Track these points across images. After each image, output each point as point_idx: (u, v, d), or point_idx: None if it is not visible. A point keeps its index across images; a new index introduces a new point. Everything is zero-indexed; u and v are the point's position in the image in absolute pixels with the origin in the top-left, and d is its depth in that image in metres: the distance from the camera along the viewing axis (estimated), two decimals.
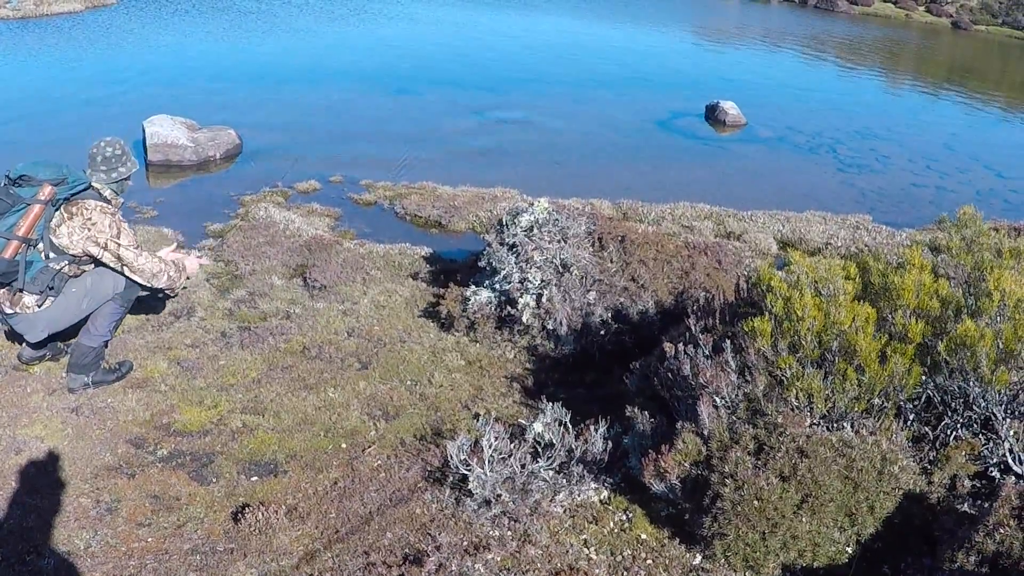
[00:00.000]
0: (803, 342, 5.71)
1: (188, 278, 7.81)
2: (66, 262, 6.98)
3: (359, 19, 32.71)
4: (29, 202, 6.66)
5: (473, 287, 8.71)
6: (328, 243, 10.70)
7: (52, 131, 16.24)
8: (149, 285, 7.32)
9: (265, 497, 6.10)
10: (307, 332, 8.55)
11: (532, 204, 9.05)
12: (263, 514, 5.76)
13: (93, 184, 7.08)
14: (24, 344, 7.53)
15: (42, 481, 6.18)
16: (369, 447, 6.72)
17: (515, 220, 8.86)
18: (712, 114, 20.35)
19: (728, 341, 5.96)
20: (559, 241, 8.59)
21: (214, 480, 6.33)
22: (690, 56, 29.24)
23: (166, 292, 7.73)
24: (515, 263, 8.48)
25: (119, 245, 6.99)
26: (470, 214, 12.63)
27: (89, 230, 6.89)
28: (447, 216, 12.60)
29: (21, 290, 6.90)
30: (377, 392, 7.53)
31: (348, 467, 6.46)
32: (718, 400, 5.75)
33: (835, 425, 5.54)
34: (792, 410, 5.49)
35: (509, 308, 8.37)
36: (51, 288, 6.95)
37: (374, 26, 31.36)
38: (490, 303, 8.49)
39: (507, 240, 8.70)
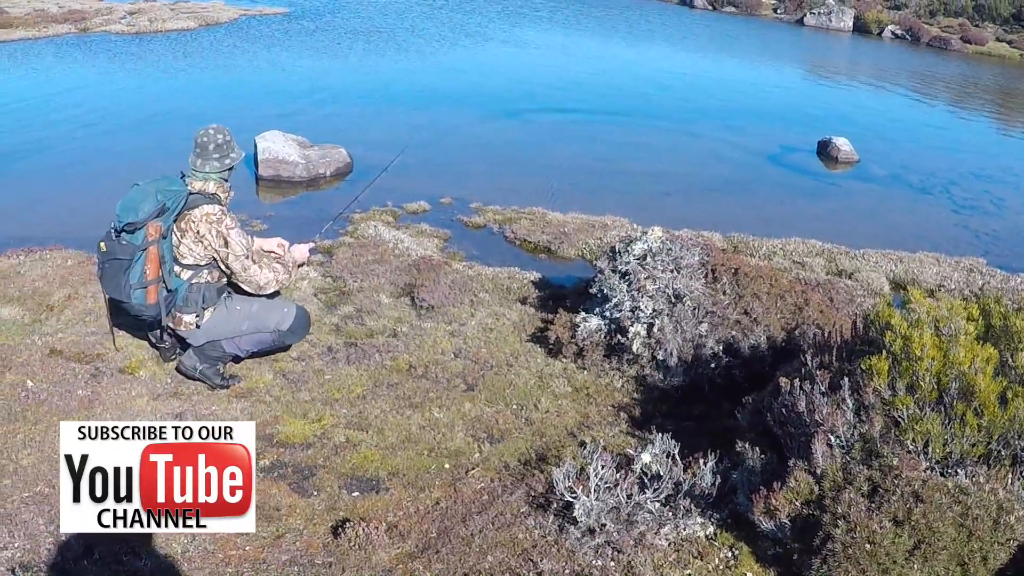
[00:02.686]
0: (921, 382, 5.56)
1: (302, 265, 7.97)
2: (204, 272, 7.15)
3: (470, 41, 32.90)
4: (144, 248, 6.79)
5: (583, 313, 8.61)
6: (437, 264, 10.69)
7: (167, 142, 16.48)
8: (258, 295, 7.41)
9: (366, 513, 6.05)
10: (413, 351, 8.51)
11: (646, 232, 8.95)
12: (363, 530, 5.70)
13: (195, 184, 7.11)
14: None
15: None
16: (472, 469, 6.64)
17: (628, 248, 8.76)
18: (824, 150, 20.00)
19: (846, 379, 5.82)
20: (672, 271, 8.47)
21: (315, 493, 6.31)
22: (801, 91, 28.91)
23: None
24: (627, 291, 8.37)
25: (228, 254, 7.07)
26: (579, 241, 12.55)
27: (201, 243, 7.01)
28: (556, 242, 12.53)
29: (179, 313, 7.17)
30: (482, 414, 7.45)
31: (451, 488, 6.39)
32: (833, 439, 5.59)
33: (950, 471, 5.37)
34: (908, 453, 5.34)
35: (619, 336, 8.25)
36: (204, 305, 7.20)
37: (483, 49, 31.53)
38: (600, 330, 8.38)
39: (619, 267, 8.60)
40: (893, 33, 42.50)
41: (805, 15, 44.95)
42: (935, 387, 5.56)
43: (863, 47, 40.27)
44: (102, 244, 6.83)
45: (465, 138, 19.19)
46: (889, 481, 5.13)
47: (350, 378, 7.93)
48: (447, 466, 6.70)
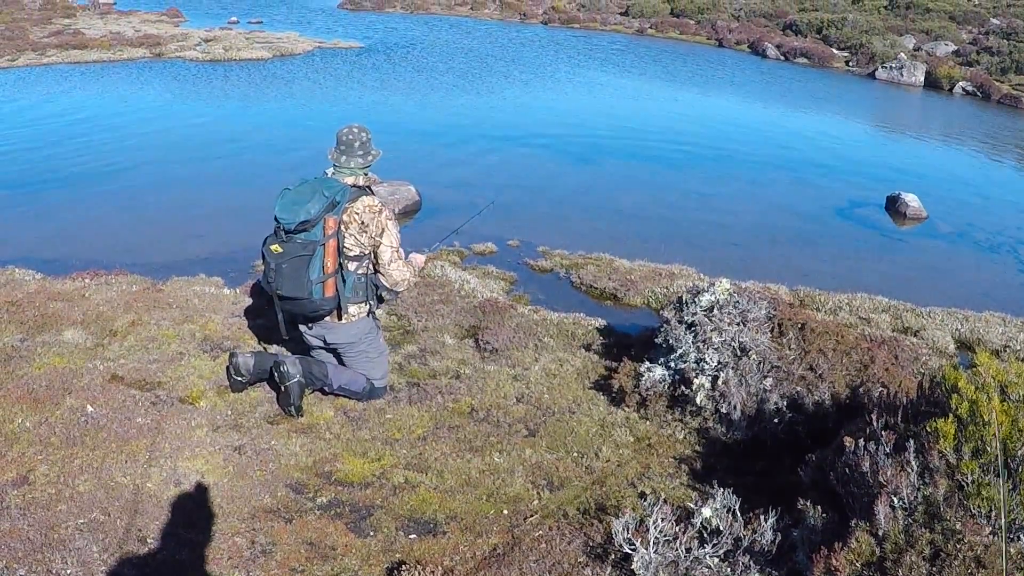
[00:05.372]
0: (988, 448, 5.47)
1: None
2: (366, 262, 7.47)
3: (540, 83, 33.03)
4: (323, 242, 7.11)
5: (647, 363, 8.54)
6: (502, 307, 10.68)
7: (234, 172, 16.63)
8: (389, 291, 7.71)
9: (422, 556, 5.98)
10: (476, 394, 8.46)
11: (713, 284, 8.88)
12: (419, 573, 5.64)
13: (347, 179, 7.38)
14: (242, 357, 7.85)
15: (198, 515, 6.22)
16: (531, 516, 6.56)
17: (695, 299, 8.69)
18: (893, 205, 19.75)
19: (911, 440, 5.74)
20: (738, 324, 8.39)
21: (372, 533, 6.26)
22: (871, 145, 28.46)
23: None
24: (692, 342, 8.30)
25: (382, 244, 7.38)
26: (646, 289, 12.48)
27: (365, 232, 7.29)
28: (623, 289, 12.48)
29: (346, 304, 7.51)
30: (543, 461, 7.37)
31: (508, 534, 6.30)
32: (896, 501, 5.49)
33: (1013, 536, 5.28)
34: (971, 517, 5.25)
35: (683, 388, 8.17)
36: (366, 295, 7.60)
37: (555, 91, 31.57)
38: (663, 381, 8.31)
39: (686, 318, 8.53)
40: (964, 89, 42.00)
41: (877, 69, 44.56)
42: (1002, 453, 5.48)
43: (933, 102, 39.81)
44: (275, 247, 7.11)
45: (535, 180, 19.26)
46: (951, 545, 5.05)
47: (411, 418, 7.90)
48: (505, 512, 6.62)
